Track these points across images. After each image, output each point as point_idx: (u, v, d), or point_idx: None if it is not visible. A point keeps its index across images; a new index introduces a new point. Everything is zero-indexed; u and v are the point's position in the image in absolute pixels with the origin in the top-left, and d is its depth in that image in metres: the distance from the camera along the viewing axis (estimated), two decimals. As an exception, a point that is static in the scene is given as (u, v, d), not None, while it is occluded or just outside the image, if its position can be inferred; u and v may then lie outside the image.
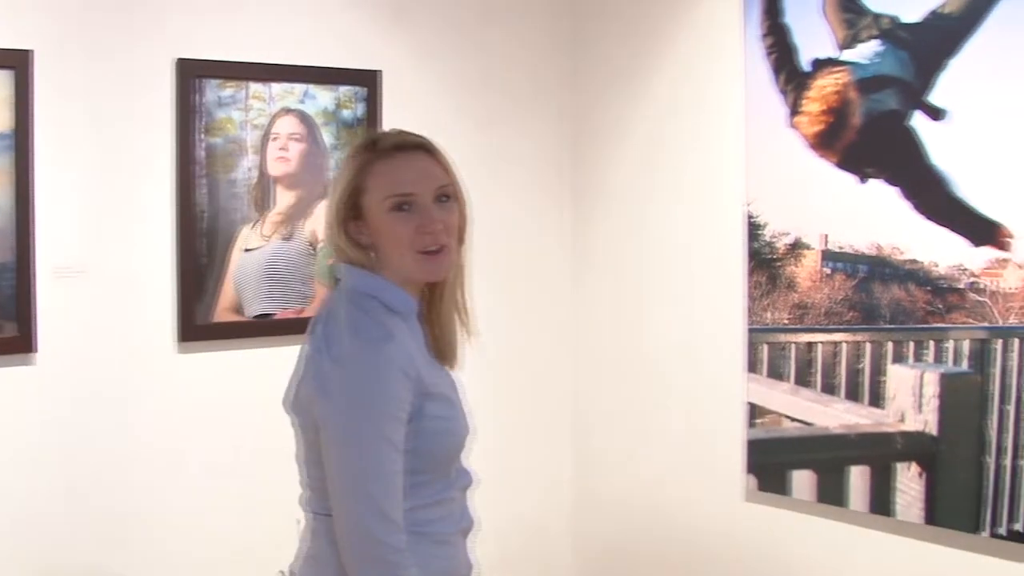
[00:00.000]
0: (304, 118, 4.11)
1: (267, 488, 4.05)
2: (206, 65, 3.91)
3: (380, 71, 4.27)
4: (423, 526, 2.29)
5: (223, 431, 4.00)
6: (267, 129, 4.04)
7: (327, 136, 4.14)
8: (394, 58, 4.33)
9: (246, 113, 4.00)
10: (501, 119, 4.65)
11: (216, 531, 3.98)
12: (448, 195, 2.37)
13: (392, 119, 4.27)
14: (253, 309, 4.04)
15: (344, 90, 4.19)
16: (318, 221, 4.11)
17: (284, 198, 4.07)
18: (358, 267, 2.36)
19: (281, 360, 4.04)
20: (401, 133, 2.42)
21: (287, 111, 4.08)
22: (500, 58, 4.64)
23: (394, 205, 2.31)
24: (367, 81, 4.23)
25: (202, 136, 3.90)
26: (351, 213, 2.35)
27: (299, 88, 4.09)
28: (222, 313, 3.98)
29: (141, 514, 3.86)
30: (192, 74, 3.87)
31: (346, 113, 4.19)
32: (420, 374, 2.25)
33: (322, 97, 4.14)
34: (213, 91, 3.92)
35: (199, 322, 3.93)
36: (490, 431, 4.59)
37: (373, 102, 4.25)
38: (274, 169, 4.05)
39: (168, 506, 3.91)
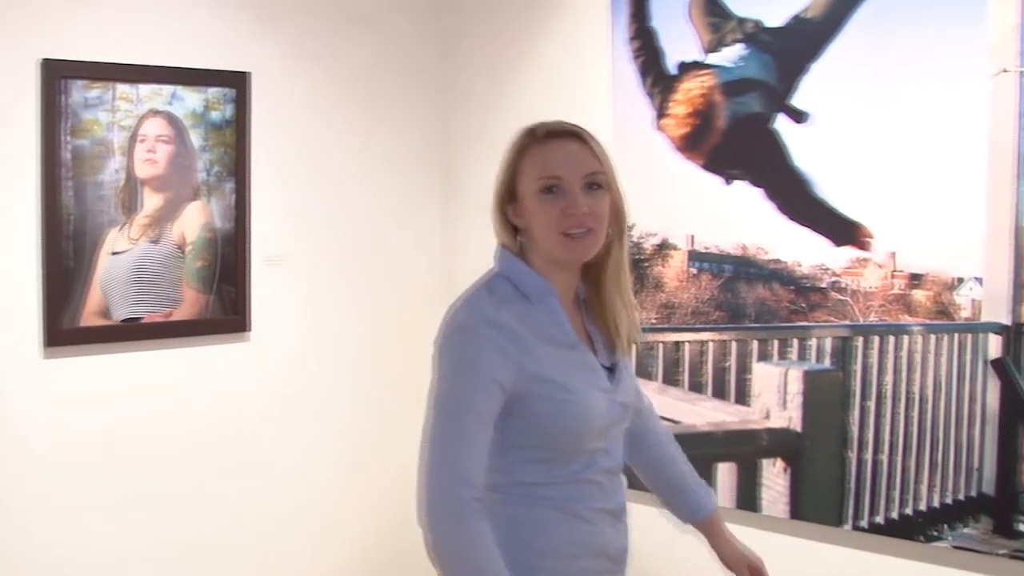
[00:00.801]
0: (172, 120, 4.06)
1: (137, 491, 4.01)
2: (72, 66, 3.84)
3: (249, 72, 4.23)
4: (561, 501, 2.36)
5: (91, 436, 3.93)
6: (134, 131, 3.98)
7: (195, 138, 4.10)
8: (263, 59, 4.30)
9: (113, 115, 3.94)
10: (372, 120, 4.64)
11: (87, 537, 3.91)
12: (598, 183, 2.37)
13: (262, 121, 4.26)
14: (121, 313, 3.98)
15: (213, 92, 4.15)
16: (187, 223, 4.07)
17: (152, 200, 4.02)
18: (507, 250, 2.47)
19: (149, 364, 4.04)
20: (559, 122, 2.47)
21: (155, 113, 4.03)
22: (371, 59, 4.63)
23: (542, 187, 2.36)
24: (236, 82, 4.19)
25: (68, 138, 3.83)
26: (508, 196, 2.44)
27: (167, 89, 4.04)
28: (89, 317, 3.91)
29: (7, 521, 3.78)
30: (57, 75, 3.81)
31: (215, 115, 4.15)
32: (524, 359, 2.30)
33: (190, 99, 4.10)
34: (79, 92, 3.85)
35: (65, 327, 3.87)
36: (356, 434, 4.62)
37: (242, 104, 4.21)
38: (142, 171, 4.00)
39: (36, 513, 3.83)
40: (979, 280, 3.18)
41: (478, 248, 4.67)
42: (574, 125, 2.45)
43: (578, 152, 2.38)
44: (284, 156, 4.37)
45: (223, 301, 4.20)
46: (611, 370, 2.46)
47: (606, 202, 2.37)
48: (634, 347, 2.56)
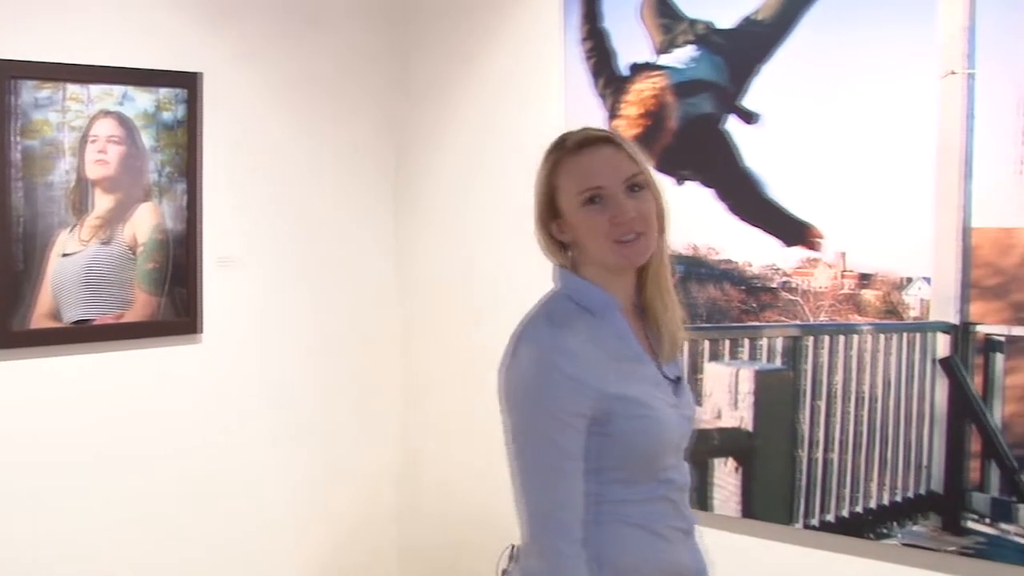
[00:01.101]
0: (123, 120, 4.03)
1: (89, 494, 3.99)
2: (22, 66, 3.80)
3: (201, 73, 4.20)
4: (642, 519, 2.32)
5: (42, 439, 3.89)
6: (85, 131, 3.95)
7: (147, 138, 4.07)
8: (216, 60, 4.27)
9: (63, 115, 3.91)
10: (325, 121, 4.63)
11: (37, 540, 3.88)
12: (639, 184, 2.32)
13: (214, 122, 4.23)
14: (71, 315, 3.95)
15: (164, 92, 4.12)
16: (138, 224, 4.05)
17: (103, 201, 3.99)
18: (565, 269, 2.41)
19: (100, 366, 4.02)
20: (586, 129, 2.40)
21: (105, 113, 4.00)
22: (324, 60, 4.61)
23: (586, 200, 2.31)
24: (187, 83, 4.17)
25: (18, 138, 3.80)
26: (550, 214, 2.38)
27: (118, 90, 4.01)
28: (39, 319, 3.88)
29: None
30: (7, 75, 3.77)
31: (166, 115, 4.13)
32: (599, 381, 2.24)
33: (141, 99, 4.07)
34: (29, 92, 3.82)
35: (15, 329, 3.83)
36: (315, 436, 4.60)
37: (194, 104, 4.18)
38: (92, 172, 3.97)
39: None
40: (927, 280, 3.21)
41: (432, 248, 4.69)
42: (602, 130, 2.41)
43: (614, 157, 2.32)
44: (236, 157, 4.34)
45: (175, 303, 4.18)
46: (675, 382, 2.42)
47: (650, 202, 2.33)
48: (680, 350, 2.50)
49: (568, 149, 2.35)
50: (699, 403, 3.70)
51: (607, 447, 2.26)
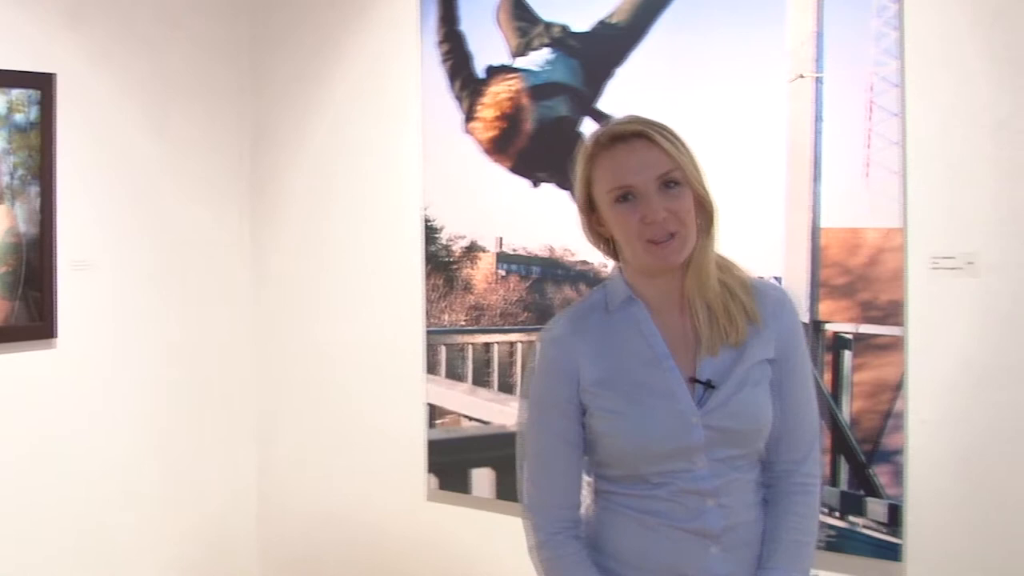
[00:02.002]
0: (-27, 121, 3.95)
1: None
2: None
3: (54, 74, 4.11)
4: (636, 512, 2.28)
5: None
6: (-66, 132, 3.86)
7: (-1, 140, 4.00)
8: (70, 61, 4.19)
9: (-89, 115, 3.81)
10: (181, 123, 4.57)
11: None
12: (675, 181, 2.22)
13: (68, 123, 4.15)
14: (-87, 318, 3.85)
15: (16, 93, 4.03)
16: (-10, 225, 3.97)
17: (-48, 204, 3.90)
18: (617, 264, 2.37)
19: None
20: (620, 122, 2.29)
21: (-46, 113, 3.91)
22: (180, 62, 4.55)
23: (617, 198, 2.23)
24: (40, 84, 4.07)
25: None
26: (588, 206, 2.32)
27: (-33, 91, 3.93)
28: None
29: None
30: None
31: (19, 117, 4.03)
32: (584, 370, 2.28)
33: (-8, 100, 3.99)
34: None
35: None
36: (170, 441, 4.54)
37: (48, 105, 4.09)
38: (-60, 173, 3.88)
39: None
40: (779, 279, 3.27)
41: (291, 249, 4.66)
42: (640, 123, 2.27)
43: (647, 154, 2.23)
44: (91, 159, 4.27)
45: (28, 307, 4.08)
46: (708, 385, 2.27)
47: (687, 199, 2.23)
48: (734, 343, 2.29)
49: (602, 143, 2.27)
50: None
51: (591, 440, 2.31)
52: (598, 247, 2.37)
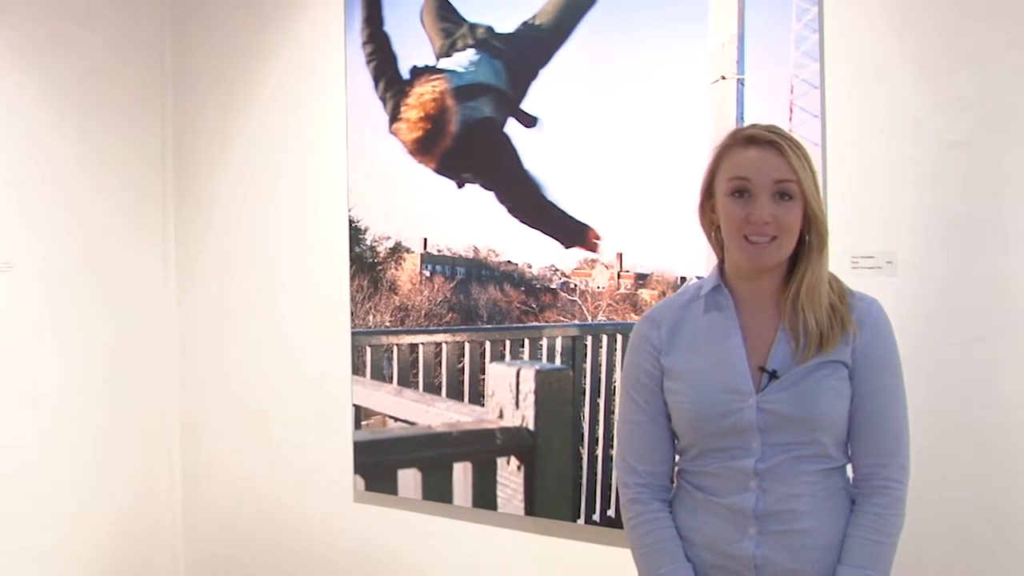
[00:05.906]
0: None
1: None
2: None
3: (-28, 76, 4.09)
4: (694, 488, 2.47)
5: None
6: None
7: (-87, 139, 3.94)
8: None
9: None
10: (100, 124, 4.53)
11: None
12: (789, 193, 2.34)
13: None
14: None
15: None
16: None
17: None
18: (720, 257, 2.52)
19: None
20: (760, 127, 2.42)
21: None
22: (98, 62, 4.51)
23: (732, 189, 2.37)
24: (-44, 84, 4.05)
25: None
26: (708, 192, 2.46)
27: None
28: None
29: None
30: None
31: (-66, 117, 3.99)
32: (663, 352, 2.49)
33: (-95, 99, 3.93)
34: None
35: None
36: (90, 444, 4.49)
37: (-35, 106, 4.06)
38: None
39: None
40: (700, 279, 3.30)
41: (215, 250, 4.63)
42: (779, 134, 2.40)
43: (773, 160, 2.35)
44: (6, 160, 4.22)
45: (-57, 309, 4.04)
46: (773, 375, 2.37)
47: (795, 213, 2.35)
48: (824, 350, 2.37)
49: (738, 140, 2.42)
50: (482, 403, 3.74)
51: (671, 412, 2.49)
52: (707, 233, 2.52)
